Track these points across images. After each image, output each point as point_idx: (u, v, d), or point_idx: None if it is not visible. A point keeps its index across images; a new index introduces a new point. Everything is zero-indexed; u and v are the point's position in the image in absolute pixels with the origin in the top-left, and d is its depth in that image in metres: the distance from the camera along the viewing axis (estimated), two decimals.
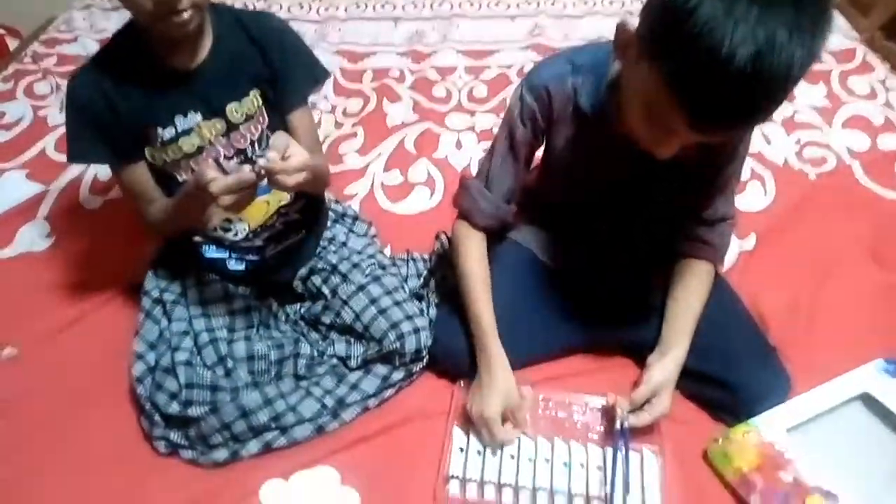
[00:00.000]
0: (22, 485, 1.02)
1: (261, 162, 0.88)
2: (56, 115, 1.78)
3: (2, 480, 1.02)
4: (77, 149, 1.07)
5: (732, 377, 1.03)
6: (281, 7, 2.29)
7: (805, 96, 1.73)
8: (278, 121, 1.13)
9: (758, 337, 1.10)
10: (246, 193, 0.91)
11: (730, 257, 1.33)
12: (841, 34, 1.94)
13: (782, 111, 1.69)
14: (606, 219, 1.11)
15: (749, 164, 1.55)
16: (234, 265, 1.20)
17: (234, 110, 1.08)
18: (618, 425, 0.99)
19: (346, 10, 2.27)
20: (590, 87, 0.95)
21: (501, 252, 1.19)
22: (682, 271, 1.09)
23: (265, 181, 0.91)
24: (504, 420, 1.02)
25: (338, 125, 1.79)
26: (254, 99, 1.09)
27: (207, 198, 0.90)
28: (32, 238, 1.45)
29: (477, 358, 1.05)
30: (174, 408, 1.04)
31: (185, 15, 0.93)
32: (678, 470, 1.00)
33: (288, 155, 0.90)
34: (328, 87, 1.91)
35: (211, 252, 1.18)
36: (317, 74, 1.19)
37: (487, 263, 1.10)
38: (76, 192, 1.57)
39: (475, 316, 1.06)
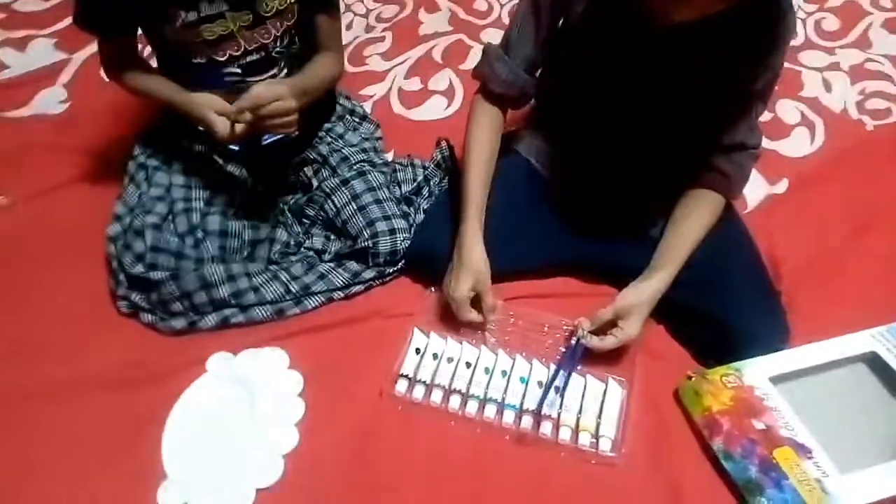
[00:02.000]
0: None
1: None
2: None
3: None
4: (84, 12, 1.02)
5: (726, 315, 0.93)
6: None
7: (883, 45, 1.55)
8: (307, 15, 1.08)
9: (761, 278, 1.00)
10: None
11: (755, 196, 1.22)
12: None
13: (852, 58, 1.52)
14: (614, 126, 1.01)
15: (799, 108, 1.41)
16: (230, 146, 1.16)
17: (264, 4, 1.02)
18: (573, 341, 0.92)
19: None
20: None
21: (500, 163, 1.11)
22: (687, 199, 1.00)
23: None
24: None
25: (369, 28, 1.72)
26: (291, 1, 1.04)
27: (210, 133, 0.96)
28: (49, 101, 1.47)
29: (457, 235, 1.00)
30: (138, 269, 1.02)
31: None
32: (643, 404, 0.92)
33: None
34: None
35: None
36: None
37: (498, 137, 1.05)
38: (97, 64, 1.56)
39: (465, 186, 1.01)
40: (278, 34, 1.07)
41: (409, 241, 1.07)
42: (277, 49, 1.08)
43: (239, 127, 0.94)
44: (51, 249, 1.15)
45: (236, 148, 1.16)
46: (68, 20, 1.66)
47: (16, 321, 1.04)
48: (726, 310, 0.93)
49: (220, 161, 1.15)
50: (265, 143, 1.16)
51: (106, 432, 0.91)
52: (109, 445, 0.89)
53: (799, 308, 1.02)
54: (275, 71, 1.10)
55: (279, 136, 1.15)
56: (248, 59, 1.07)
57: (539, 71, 1.04)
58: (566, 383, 0.90)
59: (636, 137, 1.01)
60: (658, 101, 0.95)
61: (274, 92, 0.92)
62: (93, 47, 1.58)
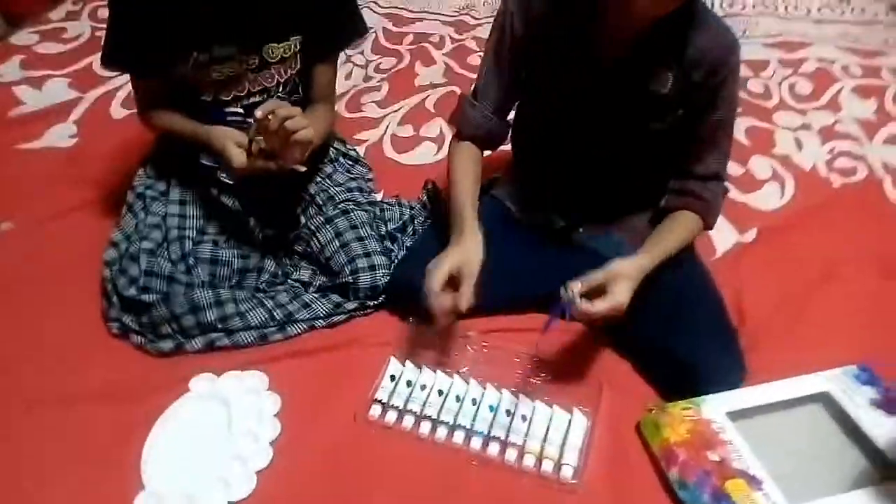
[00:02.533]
0: None
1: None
2: None
3: None
4: (112, 51, 1.11)
5: (687, 353, 0.97)
6: None
7: (852, 108, 1.64)
8: (310, 65, 1.18)
9: (721, 319, 1.04)
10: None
11: (724, 244, 1.28)
12: None
13: (823, 119, 1.60)
14: (581, 164, 1.07)
15: (772, 165, 1.48)
16: (225, 177, 1.22)
17: (270, 50, 1.11)
18: (562, 291, 0.89)
19: None
20: None
21: (485, 210, 1.17)
22: (668, 218, 1.04)
23: None
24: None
25: (367, 78, 1.82)
26: (294, 43, 1.13)
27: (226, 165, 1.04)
28: (59, 136, 1.56)
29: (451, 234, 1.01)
30: (131, 292, 1.07)
31: None
32: (606, 435, 0.96)
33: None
34: (367, 44, 1.95)
35: (206, 159, 1.21)
36: (358, 31, 1.24)
37: (478, 167, 1.09)
38: (108, 103, 1.66)
39: (455, 202, 1.03)
40: (281, 80, 1.15)
41: (388, 277, 1.12)
42: (279, 94, 1.16)
43: (254, 155, 1.00)
44: (50, 273, 1.20)
45: (230, 181, 1.22)
46: (84, 62, 1.80)
47: (12, 337, 1.09)
48: (687, 348, 0.97)
49: (215, 192, 1.21)
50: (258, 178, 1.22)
51: (91, 444, 0.95)
52: (93, 456, 0.93)
53: (761, 349, 1.06)
54: None
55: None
56: (252, 100, 1.15)
57: (510, 115, 1.11)
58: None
59: (604, 174, 1.07)
60: (621, 138, 1.02)
61: (290, 109, 0.98)
62: (103, 88, 1.70)
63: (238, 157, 1.01)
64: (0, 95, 1.65)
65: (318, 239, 1.18)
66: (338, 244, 1.15)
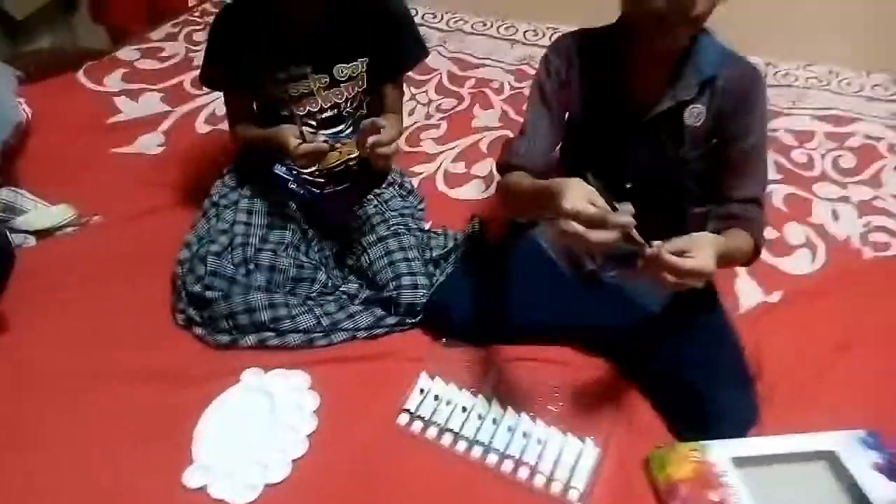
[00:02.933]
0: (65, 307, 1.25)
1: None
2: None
3: (70, 299, 1.26)
4: (209, 72, 1.31)
5: (704, 387, 1.04)
6: (416, 13, 2.49)
7: (893, 186, 1.67)
8: (375, 84, 1.32)
9: (739, 359, 1.11)
10: (317, 157, 1.16)
11: (748, 302, 1.33)
12: None
13: (862, 194, 1.65)
14: (618, 194, 1.13)
15: (805, 232, 1.53)
16: (294, 189, 1.36)
17: (340, 70, 1.26)
18: (646, 249, 0.86)
19: (472, 25, 2.45)
20: (600, 41, 1.08)
21: (514, 240, 1.27)
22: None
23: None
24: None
25: (428, 116, 1.95)
26: (360, 64, 1.28)
27: (284, 152, 1.16)
28: (148, 144, 1.73)
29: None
30: (196, 289, 1.20)
31: None
32: (615, 466, 1.02)
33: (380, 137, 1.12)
34: (431, 84, 2.09)
35: (280, 170, 1.35)
36: (420, 54, 1.39)
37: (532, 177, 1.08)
38: (194, 118, 1.83)
39: (528, 187, 1.02)
40: (350, 96, 1.30)
41: (427, 297, 1.22)
42: (348, 109, 1.31)
43: (307, 146, 1.14)
44: (130, 265, 1.35)
45: (300, 192, 1.35)
46: (177, 79, 1.99)
47: (93, 318, 1.23)
48: (705, 382, 1.03)
49: (285, 202, 1.35)
50: (326, 192, 1.36)
51: (149, 420, 1.06)
52: (150, 431, 1.05)
53: (774, 404, 1.11)
54: (342, 127, 1.31)
55: (339, 188, 1.36)
56: (324, 115, 1.29)
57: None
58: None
59: (643, 218, 1.15)
60: (658, 173, 1.10)
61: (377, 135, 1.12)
62: (191, 104, 1.87)
63: (293, 141, 1.14)
64: (102, 103, 1.84)
65: (368, 255, 1.29)
66: (386, 261, 1.27)
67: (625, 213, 0.83)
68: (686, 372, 1.05)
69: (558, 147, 1.19)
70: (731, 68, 1.04)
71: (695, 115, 1.05)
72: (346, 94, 1.29)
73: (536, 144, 1.12)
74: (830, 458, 1.01)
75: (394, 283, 1.23)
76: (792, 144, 1.83)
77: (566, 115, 1.14)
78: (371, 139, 1.11)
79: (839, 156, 1.79)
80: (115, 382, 1.11)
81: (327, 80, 1.26)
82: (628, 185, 1.12)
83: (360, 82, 1.30)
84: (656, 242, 0.86)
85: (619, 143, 1.10)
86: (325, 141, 1.16)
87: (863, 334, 1.25)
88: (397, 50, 1.31)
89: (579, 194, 0.82)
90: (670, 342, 1.09)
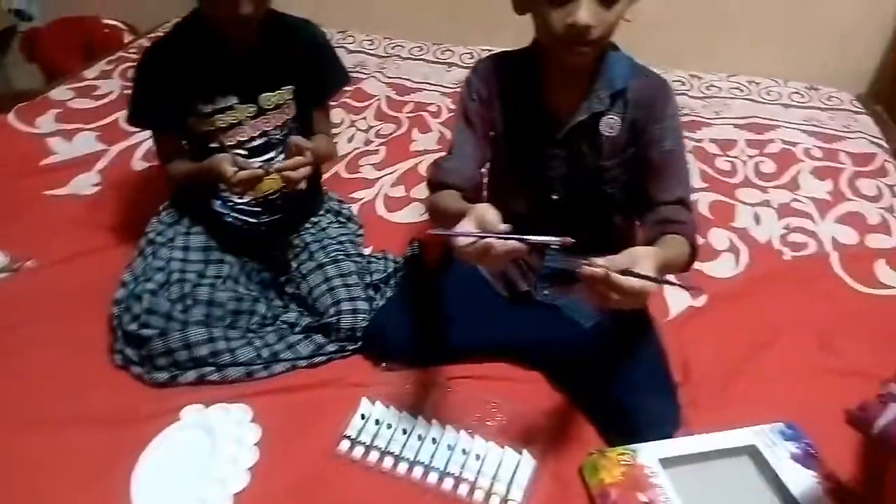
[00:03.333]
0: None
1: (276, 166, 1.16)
2: None
3: (5, 345, 1.24)
4: (136, 111, 1.32)
5: (626, 401, 1.08)
6: (354, 40, 2.55)
7: (809, 189, 1.76)
8: (302, 111, 1.35)
9: (662, 370, 1.16)
10: (253, 183, 1.16)
11: (677, 308, 1.39)
12: (866, 140, 1.96)
13: (782, 197, 1.73)
14: (548, 221, 1.17)
15: (729, 237, 1.60)
16: (231, 221, 1.38)
17: (266, 99, 1.29)
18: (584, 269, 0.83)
19: (409, 51, 2.51)
20: (518, 61, 1.14)
21: (459, 269, 1.30)
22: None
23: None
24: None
25: (367, 142, 1.99)
26: (286, 92, 1.31)
27: (221, 181, 1.15)
28: (84, 184, 1.72)
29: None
30: (132, 327, 1.20)
31: (249, 7, 1.14)
32: (551, 475, 1.05)
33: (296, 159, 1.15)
34: (370, 111, 2.13)
35: (216, 205, 1.37)
36: (343, 80, 1.44)
37: (461, 197, 1.09)
38: (130, 156, 1.83)
39: (447, 206, 1.06)
40: (278, 124, 1.33)
41: (367, 322, 1.25)
42: (277, 137, 1.33)
43: (244, 173, 1.14)
44: (66, 308, 1.33)
45: (237, 224, 1.37)
46: (112, 117, 1.98)
47: (28, 363, 1.21)
48: (627, 396, 1.08)
49: (215, 241, 1.36)
50: (263, 222, 1.38)
51: (84, 464, 1.05)
52: (85, 475, 1.03)
53: (700, 404, 1.16)
54: (273, 154, 1.33)
55: (276, 217, 1.37)
56: (253, 143, 1.31)
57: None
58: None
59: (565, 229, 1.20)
60: (583, 188, 1.15)
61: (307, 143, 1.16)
62: (127, 142, 1.87)
63: (229, 169, 1.14)
64: (34, 146, 1.82)
65: (307, 282, 1.31)
66: (325, 288, 1.29)
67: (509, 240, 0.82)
68: (610, 386, 1.10)
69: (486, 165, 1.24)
70: (640, 80, 1.11)
71: (610, 125, 1.11)
72: (273, 122, 1.32)
73: (463, 164, 1.16)
74: (752, 452, 1.07)
75: (333, 308, 1.25)
76: (716, 153, 1.92)
77: (490, 135, 1.18)
78: (276, 165, 1.14)
79: (760, 162, 1.88)
80: (51, 427, 1.10)
81: (254, 109, 1.29)
82: (554, 197, 1.17)
83: (288, 110, 1.33)
84: (598, 260, 0.83)
85: (542, 157, 1.15)
86: (259, 166, 1.17)
87: (782, 333, 1.32)
88: (320, 77, 1.36)
89: (478, 216, 0.85)
90: (596, 356, 1.14)
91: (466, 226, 0.84)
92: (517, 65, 1.14)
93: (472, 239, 0.82)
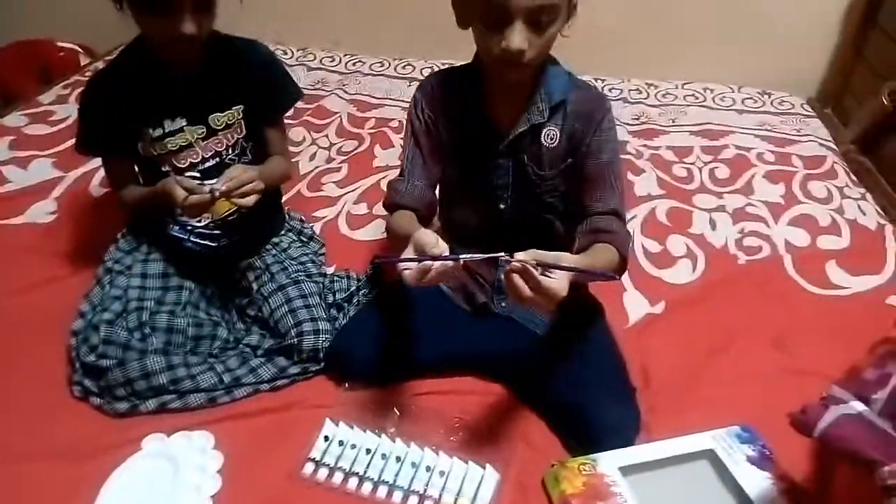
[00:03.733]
0: None
1: (216, 186, 1.12)
2: None
3: None
4: (84, 139, 1.30)
5: (585, 409, 1.10)
6: (315, 57, 2.56)
7: (763, 193, 1.81)
8: (254, 130, 1.35)
9: (619, 375, 1.18)
10: (205, 206, 1.14)
11: (636, 315, 1.42)
12: (816, 143, 2.02)
13: (736, 202, 1.78)
14: (497, 230, 1.21)
15: (686, 243, 1.64)
16: (190, 246, 1.37)
17: (216, 119, 1.29)
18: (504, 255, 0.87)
19: (370, 67, 2.52)
20: (462, 76, 1.16)
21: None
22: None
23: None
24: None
25: (329, 160, 1.99)
26: (235, 112, 1.30)
27: (173, 204, 1.13)
28: (39, 212, 1.69)
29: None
30: (90, 358, 1.19)
31: (193, 45, 1.15)
32: (514, 488, 1.06)
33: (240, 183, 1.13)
34: (331, 128, 2.13)
35: (174, 231, 1.36)
36: (294, 96, 1.42)
37: (416, 217, 1.13)
38: (87, 182, 1.80)
39: (399, 227, 1.09)
40: (230, 144, 1.32)
41: (329, 341, 1.25)
42: (230, 157, 1.33)
43: (195, 197, 1.12)
44: (23, 340, 1.31)
45: (196, 249, 1.36)
46: (68, 143, 1.93)
47: None
48: (585, 404, 1.10)
49: (173, 268, 1.35)
50: (222, 245, 1.37)
51: (47, 496, 1.04)
52: None
53: (659, 410, 1.19)
54: None
55: (235, 239, 1.37)
56: (206, 164, 1.30)
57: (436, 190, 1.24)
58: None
59: (516, 242, 1.22)
60: (527, 197, 1.18)
61: (249, 174, 1.14)
62: (84, 168, 1.84)
63: (180, 193, 1.12)
64: None
65: (269, 304, 1.31)
66: (286, 309, 1.29)
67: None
68: (568, 393, 1.12)
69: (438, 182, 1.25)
70: (578, 93, 1.14)
71: (550, 136, 1.14)
72: (225, 142, 1.31)
73: (414, 185, 1.18)
74: (710, 456, 1.09)
75: (295, 329, 1.25)
76: (672, 160, 1.96)
77: (439, 151, 1.20)
78: (223, 187, 1.11)
79: (715, 168, 1.93)
80: (10, 461, 1.08)
81: (204, 130, 1.28)
82: (501, 206, 1.20)
83: (239, 129, 1.32)
84: (520, 254, 0.86)
85: (488, 168, 1.18)
86: (210, 191, 1.15)
87: (738, 336, 1.35)
88: (271, 95, 1.35)
89: (416, 242, 0.89)
90: (553, 365, 1.16)
91: (409, 252, 0.88)
92: (461, 79, 1.16)
93: (413, 264, 0.86)
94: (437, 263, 0.86)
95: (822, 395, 0.91)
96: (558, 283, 0.86)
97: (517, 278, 0.85)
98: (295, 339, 1.23)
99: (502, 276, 1.21)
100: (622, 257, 1.10)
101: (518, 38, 0.96)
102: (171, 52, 1.19)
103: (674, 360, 1.30)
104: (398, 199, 1.17)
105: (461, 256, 0.89)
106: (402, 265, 0.86)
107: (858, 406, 0.92)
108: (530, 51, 0.98)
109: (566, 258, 0.89)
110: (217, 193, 1.12)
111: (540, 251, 0.87)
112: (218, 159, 1.31)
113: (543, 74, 1.11)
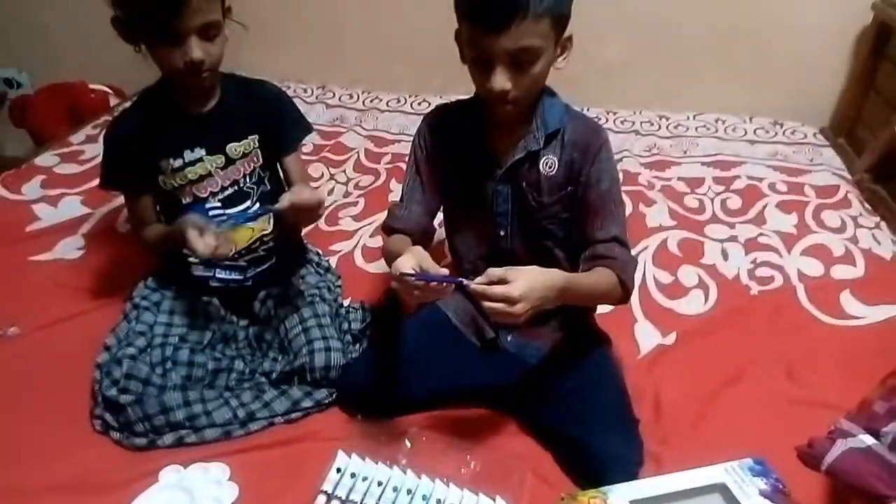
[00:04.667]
0: None
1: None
2: None
3: None
4: (107, 175, 1.37)
5: (587, 442, 1.11)
6: (334, 95, 2.63)
7: (775, 222, 1.81)
8: (270, 160, 1.40)
9: (621, 409, 1.19)
10: (224, 248, 1.20)
11: (647, 346, 1.42)
12: (830, 172, 2.02)
13: (748, 232, 1.78)
14: (497, 252, 1.25)
15: (698, 273, 1.64)
16: (216, 283, 1.41)
17: (233, 149, 1.35)
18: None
19: (387, 103, 2.59)
20: (463, 108, 1.22)
21: (423, 310, 1.34)
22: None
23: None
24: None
25: (346, 194, 2.04)
26: (251, 141, 1.37)
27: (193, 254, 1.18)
28: (68, 248, 1.75)
29: None
30: (112, 392, 1.23)
31: (205, 75, 1.22)
32: None
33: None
34: (349, 164, 2.19)
35: (198, 270, 1.41)
36: (305, 129, 1.48)
37: (411, 242, 1.17)
38: (115, 218, 1.87)
39: (394, 251, 1.10)
40: (248, 172, 1.37)
41: (342, 359, 1.28)
42: (248, 185, 1.38)
43: (210, 242, 1.16)
44: (48, 373, 1.35)
45: (222, 286, 1.40)
46: (96, 181, 2.00)
47: (8, 431, 1.23)
48: (587, 437, 1.11)
49: (200, 305, 1.39)
50: (249, 276, 1.41)
51: None
52: None
53: (671, 442, 1.19)
54: (248, 203, 1.38)
55: (262, 269, 1.42)
56: (225, 193, 1.36)
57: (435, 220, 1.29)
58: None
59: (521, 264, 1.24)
60: (527, 224, 1.21)
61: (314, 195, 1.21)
62: (111, 204, 1.91)
63: (198, 244, 1.15)
64: (20, 212, 1.86)
65: (285, 325, 1.36)
66: (300, 328, 1.33)
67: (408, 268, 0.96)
68: (569, 427, 1.13)
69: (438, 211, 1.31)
70: (575, 123, 1.18)
71: (548, 164, 1.17)
72: (243, 170, 1.36)
73: (412, 211, 1.24)
74: (722, 490, 1.08)
75: (307, 347, 1.29)
76: (684, 191, 1.98)
77: (439, 181, 1.25)
78: (287, 203, 1.17)
79: (727, 198, 1.94)
80: (31, 495, 1.11)
81: (222, 160, 1.34)
82: (501, 233, 1.23)
83: (255, 158, 1.38)
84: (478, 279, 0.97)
85: (488, 195, 1.21)
86: (224, 225, 1.21)
87: (752, 367, 1.35)
88: (283, 125, 1.41)
89: (408, 259, 0.96)
90: (555, 398, 1.17)
91: (408, 262, 0.96)
92: (462, 111, 1.21)
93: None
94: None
95: (830, 429, 0.91)
96: (511, 288, 0.94)
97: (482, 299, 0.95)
98: (306, 358, 1.27)
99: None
100: (622, 280, 1.12)
101: (500, 79, 1.01)
102: (189, 86, 1.25)
103: (686, 392, 1.30)
104: (394, 223, 1.24)
105: (432, 277, 0.97)
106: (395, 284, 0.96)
107: (868, 440, 0.92)
108: (515, 90, 1.03)
109: (519, 272, 0.96)
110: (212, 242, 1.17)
111: (491, 269, 0.96)
112: (236, 187, 1.37)
113: (540, 105, 1.15)
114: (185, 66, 1.18)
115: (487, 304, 0.95)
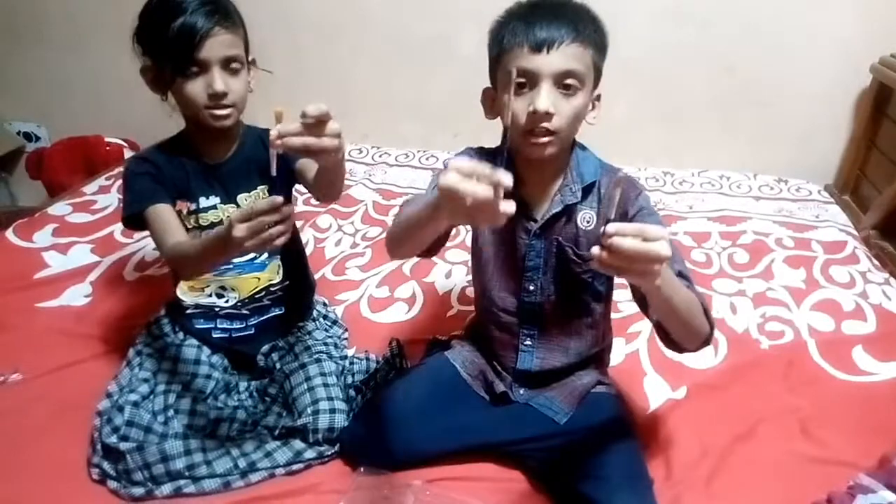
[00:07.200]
0: None
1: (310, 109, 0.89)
2: None
3: None
4: (130, 199, 1.29)
5: (599, 498, 1.07)
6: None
7: (783, 277, 1.81)
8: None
9: (637, 469, 1.14)
10: (263, 238, 1.02)
11: (657, 400, 1.39)
12: (836, 228, 2.02)
13: (756, 286, 1.77)
14: (525, 307, 1.23)
15: None
16: (218, 334, 1.41)
17: (244, 199, 1.36)
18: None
19: (395, 158, 2.63)
20: (493, 155, 1.15)
21: (429, 361, 1.33)
22: None
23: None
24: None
25: (354, 245, 2.05)
26: (260, 192, 1.37)
27: (232, 241, 1.01)
28: (75, 295, 1.75)
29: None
30: (112, 439, 1.20)
31: (228, 111, 1.23)
32: None
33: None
34: (357, 215, 2.21)
35: (200, 323, 1.40)
36: None
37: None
38: (123, 266, 1.88)
39: (411, 209, 1.02)
40: None
41: (346, 421, 1.25)
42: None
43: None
44: (48, 419, 1.33)
45: (224, 336, 1.40)
46: (107, 230, 2.05)
47: (5, 480, 1.20)
48: (599, 494, 1.07)
49: (204, 356, 1.38)
50: (251, 325, 1.40)
51: None
52: None
53: (685, 500, 1.15)
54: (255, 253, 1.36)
55: (264, 319, 1.41)
56: None
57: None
58: None
59: (545, 329, 1.22)
60: (562, 279, 1.18)
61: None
62: (120, 253, 1.93)
63: (240, 229, 1.00)
64: (31, 259, 1.87)
65: (290, 381, 1.33)
66: (305, 387, 1.30)
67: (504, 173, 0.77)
68: (583, 486, 1.09)
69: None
70: (609, 176, 1.17)
71: (586, 218, 1.16)
72: None
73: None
74: None
75: (311, 407, 1.26)
76: (691, 246, 1.98)
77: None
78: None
79: (733, 252, 1.94)
80: None
81: (234, 209, 1.35)
82: (531, 287, 1.21)
83: None
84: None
85: (520, 249, 1.20)
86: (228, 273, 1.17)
87: (763, 422, 1.32)
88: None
89: (461, 161, 0.78)
90: (570, 455, 1.13)
91: (453, 163, 0.77)
92: (494, 155, 1.16)
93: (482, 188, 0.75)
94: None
95: (850, 484, 0.88)
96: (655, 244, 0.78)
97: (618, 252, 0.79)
98: (310, 418, 1.24)
99: (521, 367, 1.23)
100: (705, 310, 1.02)
101: (545, 99, 1.00)
102: (211, 129, 1.25)
103: (696, 447, 1.26)
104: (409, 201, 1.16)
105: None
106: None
107: (889, 496, 0.89)
108: (557, 118, 1.02)
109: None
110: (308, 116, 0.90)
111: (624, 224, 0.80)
112: None
113: (573, 157, 1.15)
114: (209, 97, 1.21)
115: (631, 246, 0.78)
